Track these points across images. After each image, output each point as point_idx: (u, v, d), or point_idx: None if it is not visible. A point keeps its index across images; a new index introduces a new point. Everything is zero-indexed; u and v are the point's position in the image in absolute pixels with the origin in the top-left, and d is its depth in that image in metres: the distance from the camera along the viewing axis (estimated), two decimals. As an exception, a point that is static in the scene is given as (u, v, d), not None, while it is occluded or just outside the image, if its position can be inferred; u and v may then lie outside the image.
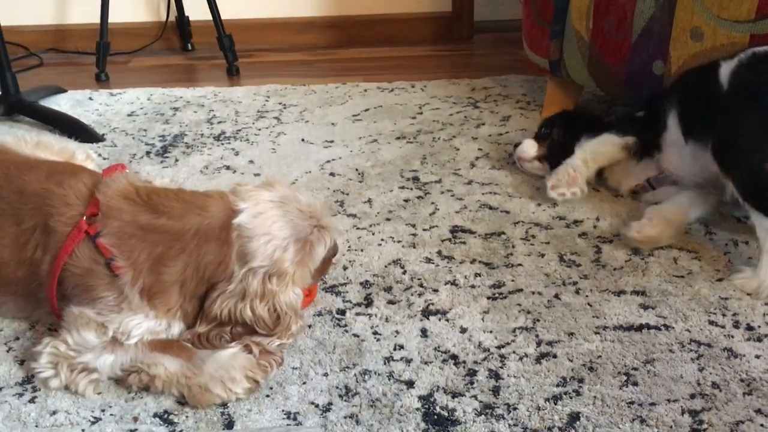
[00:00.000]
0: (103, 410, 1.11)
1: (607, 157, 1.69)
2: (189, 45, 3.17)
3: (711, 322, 1.27)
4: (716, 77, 1.45)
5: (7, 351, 1.25)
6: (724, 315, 1.29)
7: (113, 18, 2.81)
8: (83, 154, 1.54)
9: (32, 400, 1.13)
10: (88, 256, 1.15)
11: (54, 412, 1.11)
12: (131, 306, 1.15)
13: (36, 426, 1.09)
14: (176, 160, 2.00)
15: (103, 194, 1.18)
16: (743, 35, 1.64)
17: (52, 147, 1.47)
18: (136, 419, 1.09)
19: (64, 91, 2.59)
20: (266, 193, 1.22)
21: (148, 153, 2.06)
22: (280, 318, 1.19)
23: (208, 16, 2.84)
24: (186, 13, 3.11)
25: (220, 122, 2.28)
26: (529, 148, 1.85)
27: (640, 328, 1.26)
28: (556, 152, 1.79)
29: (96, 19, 2.85)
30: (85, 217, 1.17)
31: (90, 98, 2.53)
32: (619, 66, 1.88)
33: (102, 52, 2.79)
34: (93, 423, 1.09)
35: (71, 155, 1.49)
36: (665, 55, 1.78)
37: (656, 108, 1.64)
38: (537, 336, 1.25)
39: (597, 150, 1.69)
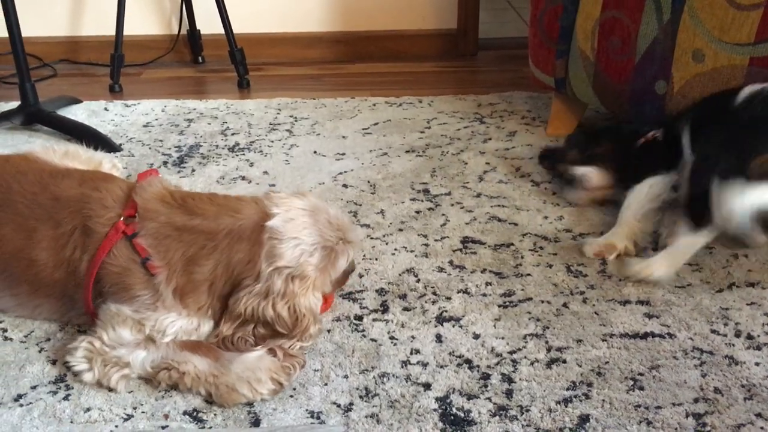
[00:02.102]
0: (134, 408, 1.17)
1: (658, 201, 1.63)
2: (200, 58, 3.24)
3: (713, 331, 1.33)
4: (735, 95, 1.53)
5: (39, 351, 1.30)
6: (725, 324, 1.35)
7: (126, 30, 2.87)
8: (109, 163, 1.60)
9: (66, 398, 1.19)
10: (125, 255, 1.21)
11: (88, 409, 1.16)
12: (165, 305, 1.21)
13: (71, 422, 1.14)
14: (193, 170, 2.06)
15: (140, 197, 1.25)
16: (743, 58, 1.72)
17: (79, 156, 1.53)
18: (166, 416, 1.15)
19: (80, 101, 2.65)
20: (298, 201, 1.28)
21: (165, 163, 2.12)
22: (298, 319, 1.24)
23: (219, 30, 2.91)
24: (197, 27, 3.18)
25: (233, 134, 2.35)
26: (594, 174, 1.76)
27: (645, 336, 1.32)
28: (618, 167, 1.75)
29: (107, 31, 2.92)
30: (122, 218, 1.23)
31: (105, 109, 2.59)
32: (623, 85, 1.95)
33: (116, 64, 2.84)
34: (126, 420, 1.14)
35: (98, 164, 1.55)
36: (668, 75, 1.85)
37: (673, 128, 1.66)
38: (547, 342, 1.31)
39: (649, 201, 1.63)
